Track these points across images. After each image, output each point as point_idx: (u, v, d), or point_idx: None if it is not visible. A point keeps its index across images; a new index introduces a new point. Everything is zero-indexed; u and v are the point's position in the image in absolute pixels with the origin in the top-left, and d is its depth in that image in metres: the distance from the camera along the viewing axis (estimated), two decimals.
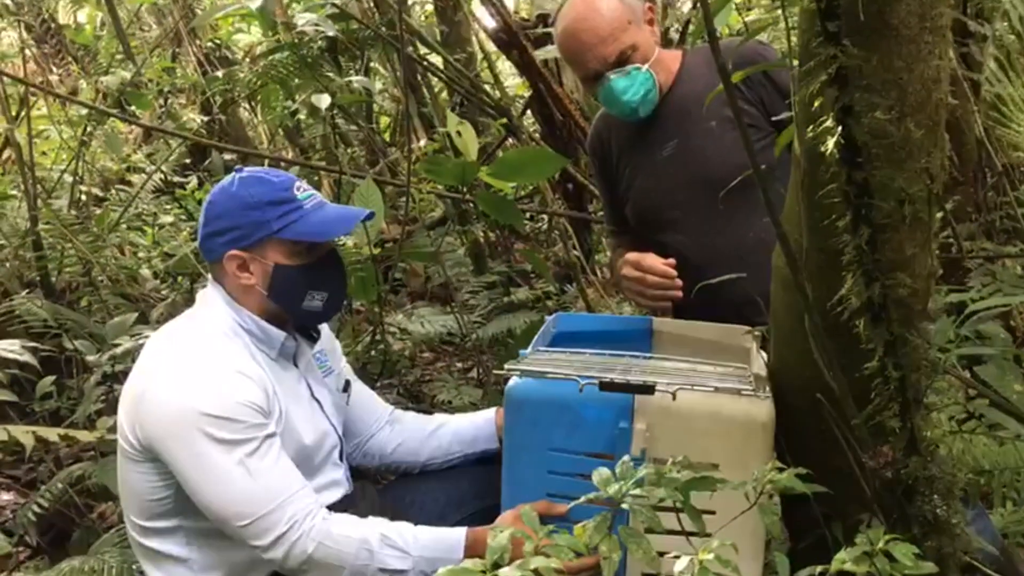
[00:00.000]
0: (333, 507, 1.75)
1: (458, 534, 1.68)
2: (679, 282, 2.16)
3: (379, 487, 2.13)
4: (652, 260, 2.19)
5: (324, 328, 2.01)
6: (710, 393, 1.53)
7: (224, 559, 1.75)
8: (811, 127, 1.23)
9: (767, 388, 1.57)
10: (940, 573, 1.32)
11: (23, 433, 2.19)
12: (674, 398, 1.51)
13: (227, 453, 1.63)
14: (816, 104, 1.21)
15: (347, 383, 2.02)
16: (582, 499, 1.24)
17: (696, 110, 2.15)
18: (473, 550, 1.65)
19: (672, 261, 2.18)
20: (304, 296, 1.80)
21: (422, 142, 4.78)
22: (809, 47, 1.21)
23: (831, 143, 1.19)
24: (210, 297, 1.82)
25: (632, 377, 1.58)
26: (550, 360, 1.73)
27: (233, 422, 1.64)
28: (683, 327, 2.07)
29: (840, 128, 1.18)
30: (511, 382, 1.64)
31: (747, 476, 1.26)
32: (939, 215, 1.32)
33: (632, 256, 2.22)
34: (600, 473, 1.25)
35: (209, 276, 1.86)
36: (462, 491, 1.95)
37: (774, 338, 1.65)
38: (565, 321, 2.05)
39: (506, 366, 1.61)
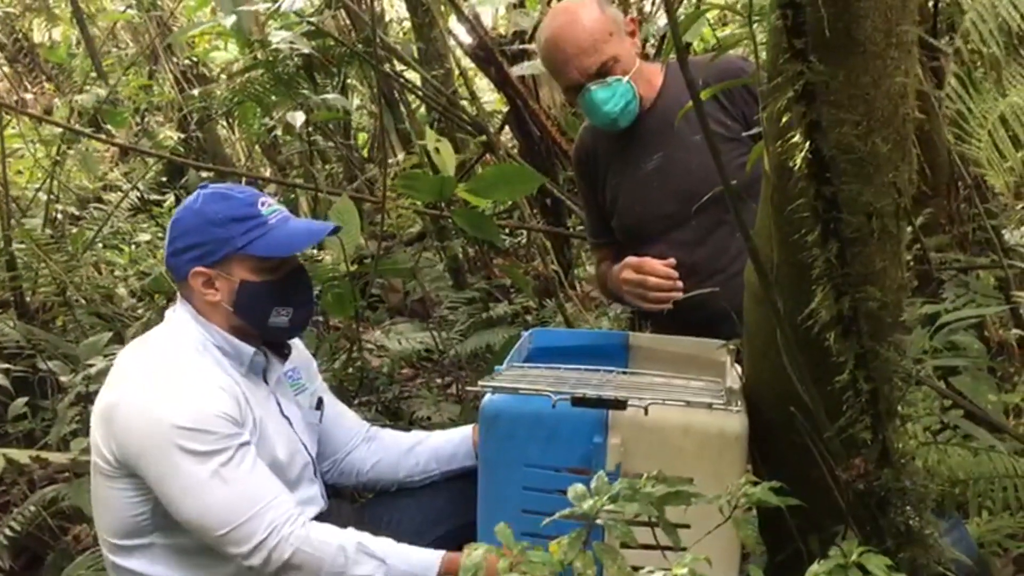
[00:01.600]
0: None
1: (435, 554, 1.69)
2: (680, 283, 2.18)
3: (356, 505, 2.12)
4: (652, 263, 2.21)
5: (298, 345, 2.01)
6: (683, 407, 1.53)
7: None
8: (780, 142, 1.24)
9: (740, 401, 1.57)
10: None
11: None
12: (646, 412, 1.51)
13: (201, 464, 1.63)
14: (784, 119, 1.22)
15: (320, 400, 2.01)
16: (556, 515, 1.24)
17: (680, 124, 2.17)
18: (448, 571, 1.66)
19: (672, 261, 2.20)
20: (270, 312, 1.80)
21: (400, 156, 4.78)
22: (777, 63, 1.22)
23: (799, 158, 1.20)
24: (178, 314, 1.82)
25: (605, 392, 1.58)
26: (523, 376, 1.74)
27: (206, 433, 1.64)
28: (659, 341, 2.08)
29: (808, 143, 1.19)
30: (485, 398, 1.64)
31: (721, 489, 1.27)
32: (909, 228, 1.34)
33: (632, 260, 2.24)
34: (575, 489, 1.25)
35: (178, 294, 1.85)
36: (439, 509, 1.95)
37: (747, 352, 1.66)
38: (541, 336, 2.06)
39: (480, 382, 1.61)
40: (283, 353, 1.91)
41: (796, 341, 1.34)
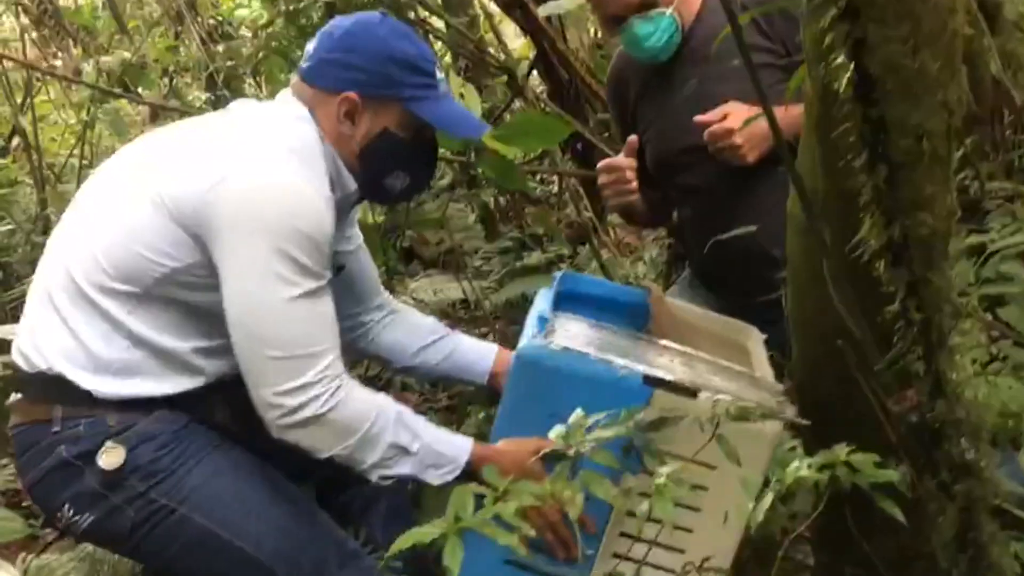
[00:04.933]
0: None
1: (466, 440, 1.63)
2: (633, 185, 2.15)
3: None
4: (611, 160, 2.19)
5: None
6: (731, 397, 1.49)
7: (162, 346, 1.62)
8: (823, 64, 1.19)
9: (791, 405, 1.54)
10: (970, 517, 1.30)
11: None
12: (695, 396, 1.47)
13: (301, 278, 1.51)
14: (827, 40, 1.16)
15: (342, 267, 1.89)
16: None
17: (719, 48, 2.10)
18: (478, 457, 1.60)
19: (632, 163, 2.16)
20: (391, 172, 1.71)
21: None
22: None
23: (844, 80, 1.15)
24: (298, 113, 1.65)
25: (650, 366, 1.54)
26: (574, 333, 1.68)
27: (317, 251, 1.53)
28: (683, 310, 2.02)
29: (853, 64, 1.14)
30: (524, 344, 1.61)
31: (738, 482, 1.28)
32: (959, 153, 1.29)
33: (604, 162, 2.21)
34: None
35: (290, 91, 1.69)
36: None
37: (790, 288, 1.62)
38: (570, 281, 2.00)
39: (537, 336, 1.57)
40: (363, 200, 1.82)
41: (843, 272, 1.30)
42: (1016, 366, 2.03)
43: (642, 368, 1.53)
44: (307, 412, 1.53)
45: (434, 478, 1.61)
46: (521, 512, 1.18)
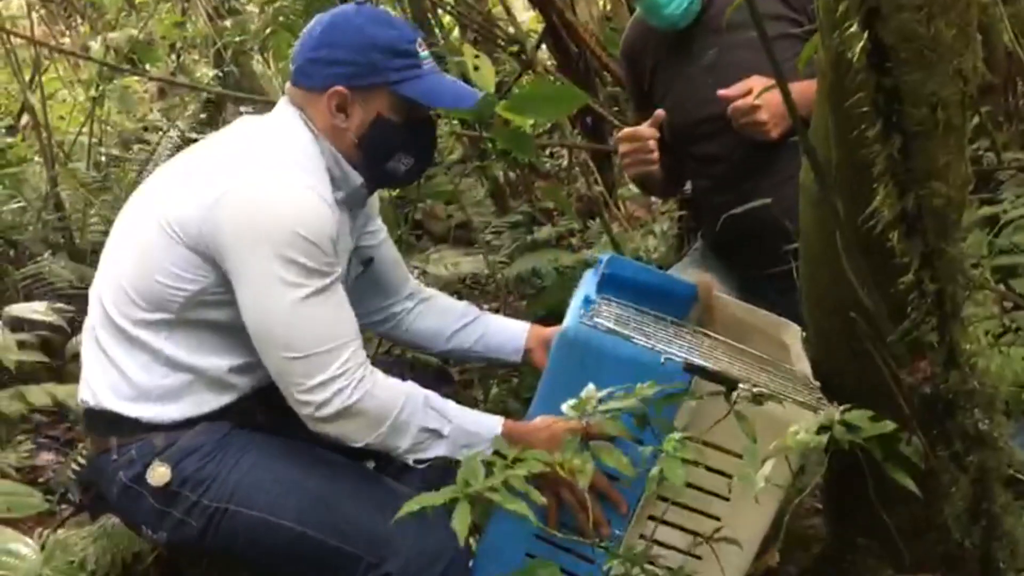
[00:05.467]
0: None
1: (495, 419, 1.64)
2: (655, 155, 2.17)
3: None
4: (635, 130, 2.19)
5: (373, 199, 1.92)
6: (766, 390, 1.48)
7: (198, 366, 1.66)
8: (836, 33, 1.18)
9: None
10: (983, 488, 1.30)
11: (38, 393, 2.21)
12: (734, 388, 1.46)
13: (306, 279, 1.54)
14: (841, 8, 1.15)
15: (371, 259, 1.92)
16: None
17: (738, 18, 2.09)
18: (510, 433, 1.60)
19: (654, 132, 2.17)
20: (392, 156, 1.71)
21: None
22: None
23: (858, 48, 1.14)
24: (290, 119, 1.68)
25: (695, 353, 1.54)
26: (620, 317, 1.68)
27: (318, 251, 1.55)
28: (727, 304, 2.00)
29: (866, 32, 1.13)
30: (570, 325, 1.60)
31: (763, 471, 1.27)
32: (974, 123, 1.28)
33: (626, 131, 2.22)
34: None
35: (285, 98, 1.72)
36: None
37: (803, 260, 1.61)
38: (615, 264, 1.98)
39: (583, 317, 1.57)
40: (373, 190, 1.83)
41: (856, 244, 1.29)
42: None
43: (684, 355, 1.53)
44: (335, 405, 1.57)
45: None
46: (542, 482, 1.20)
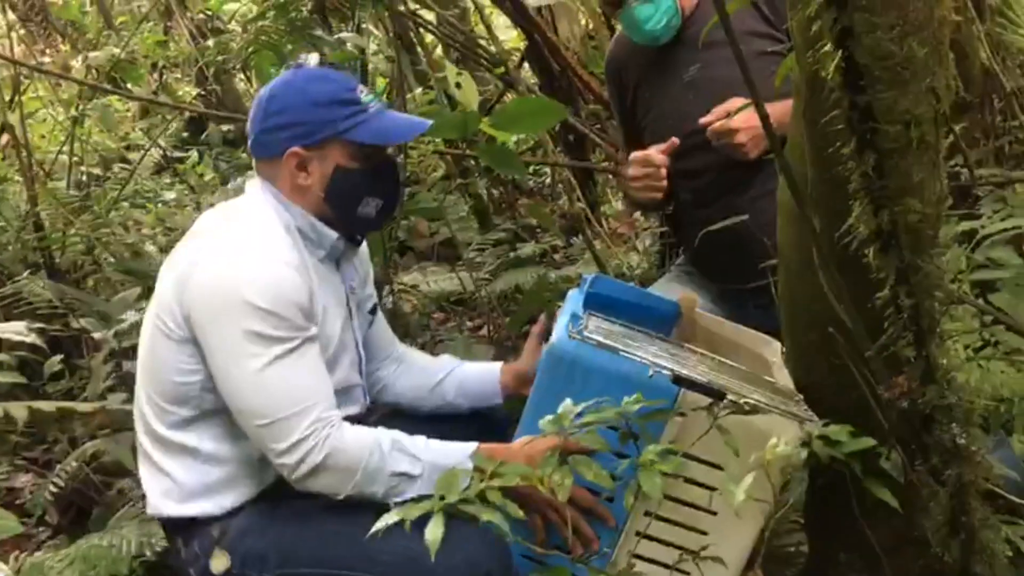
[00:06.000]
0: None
1: (469, 446, 1.66)
2: (664, 183, 2.18)
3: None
4: (650, 154, 2.20)
5: (361, 250, 1.97)
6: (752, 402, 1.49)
7: (233, 455, 1.73)
8: (811, 52, 1.19)
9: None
10: (961, 502, 1.30)
11: (17, 408, 2.19)
12: (721, 399, 1.46)
13: (264, 348, 1.60)
14: (814, 28, 1.17)
15: (375, 306, 2.00)
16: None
17: (720, 34, 2.11)
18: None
19: (665, 159, 2.17)
20: (360, 201, 1.76)
21: (417, 91, 4.72)
22: None
23: (831, 67, 1.15)
24: (258, 193, 1.76)
25: (684, 367, 1.55)
26: (609, 332, 1.69)
27: (278, 318, 1.61)
28: (709, 321, 2.02)
29: (840, 51, 1.14)
30: (558, 340, 1.60)
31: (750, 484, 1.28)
32: (949, 140, 1.29)
33: (639, 155, 2.22)
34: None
35: (254, 174, 1.80)
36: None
37: (782, 276, 1.62)
38: (600, 284, 1.99)
39: (573, 331, 1.57)
40: (357, 242, 1.88)
41: (833, 259, 1.30)
42: (1008, 351, 2.04)
43: (672, 368, 1.53)
44: (308, 464, 1.61)
45: None
46: (526, 501, 1.21)
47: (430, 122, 1.84)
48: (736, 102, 2.03)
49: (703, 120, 2.08)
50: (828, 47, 1.15)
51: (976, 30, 2.34)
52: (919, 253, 1.24)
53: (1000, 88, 2.62)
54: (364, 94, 1.75)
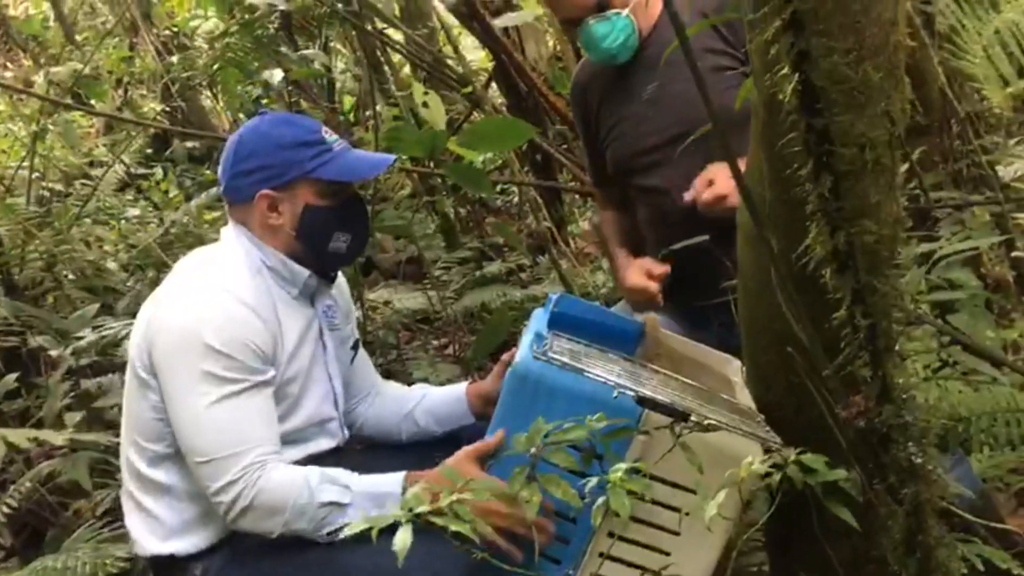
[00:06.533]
0: (323, 457, 1.78)
1: (399, 474, 1.68)
2: (660, 299, 2.19)
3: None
4: (649, 285, 2.19)
5: (341, 284, 2.01)
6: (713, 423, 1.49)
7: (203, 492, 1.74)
8: (768, 75, 1.21)
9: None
10: (918, 520, 1.32)
11: None
12: (685, 420, 1.45)
13: (213, 387, 1.64)
14: (772, 51, 1.18)
15: (356, 342, 2.02)
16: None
17: (678, 54, 2.13)
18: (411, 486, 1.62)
19: (666, 269, 2.18)
20: (331, 238, 1.82)
21: (379, 106, 4.72)
22: None
23: (789, 90, 1.16)
24: (234, 235, 1.83)
25: (645, 388, 1.55)
26: (575, 352, 1.68)
27: (230, 360, 1.65)
28: (672, 340, 2.03)
29: (798, 74, 1.16)
30: (522, 359, 1.60)
31: (711, 502, 1.29)
32: (905, 164, 1.31)
33: (636, 284, 2.22)
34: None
35: (229, 218, 1.86)
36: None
37: (741, 295, 1.63)
38: (565, 303, 1.98)
39: (537, 351, 1.57)
40: (331, 277, 1.92)
41: (791, 280, 1.31)
42: (966, 371, 2.07)
43: (636, 389, 1.53)
44: (239, 505, 1.64)
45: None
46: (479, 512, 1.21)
47: (393, 157, 1.92)
48: (714, 169, 2.04)
49: (687, 198, 2.08)
50: (786, 70, 1.17)
51: (931, 55, 2.39)
52: (875, 274, 1.25)
53: (956, 112, 2.68)
54: (328, 135, 1.82)
